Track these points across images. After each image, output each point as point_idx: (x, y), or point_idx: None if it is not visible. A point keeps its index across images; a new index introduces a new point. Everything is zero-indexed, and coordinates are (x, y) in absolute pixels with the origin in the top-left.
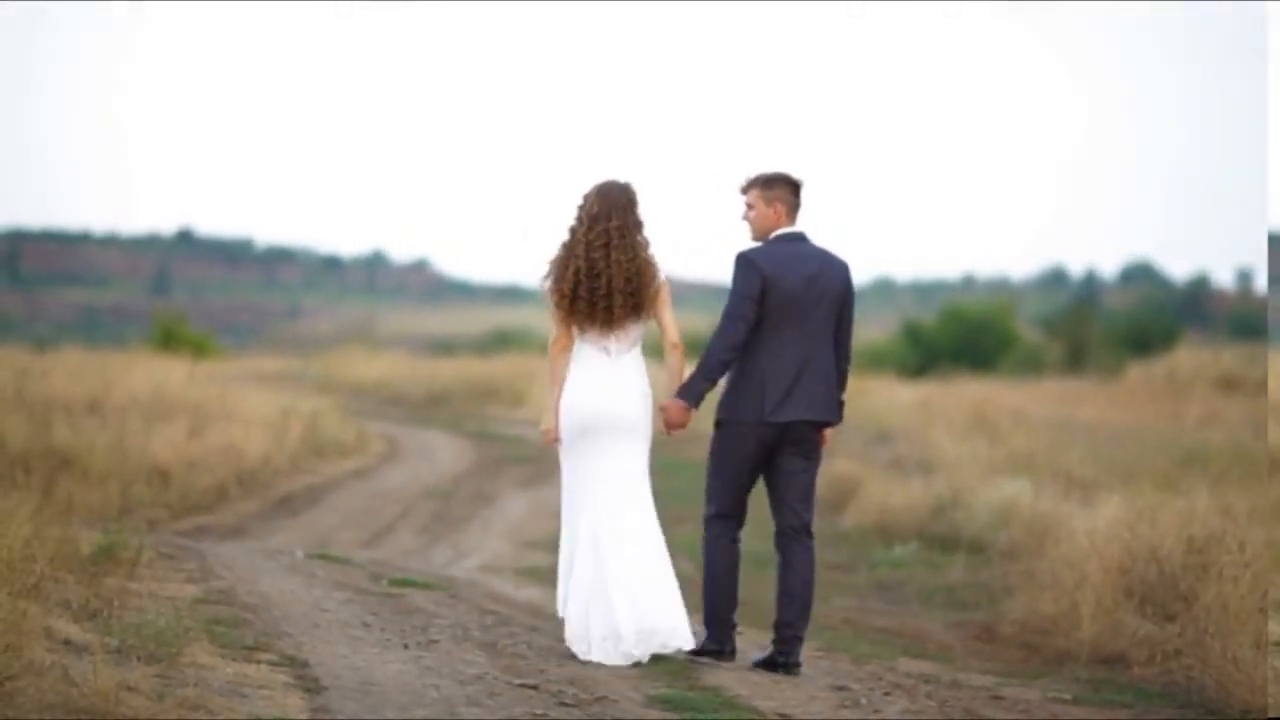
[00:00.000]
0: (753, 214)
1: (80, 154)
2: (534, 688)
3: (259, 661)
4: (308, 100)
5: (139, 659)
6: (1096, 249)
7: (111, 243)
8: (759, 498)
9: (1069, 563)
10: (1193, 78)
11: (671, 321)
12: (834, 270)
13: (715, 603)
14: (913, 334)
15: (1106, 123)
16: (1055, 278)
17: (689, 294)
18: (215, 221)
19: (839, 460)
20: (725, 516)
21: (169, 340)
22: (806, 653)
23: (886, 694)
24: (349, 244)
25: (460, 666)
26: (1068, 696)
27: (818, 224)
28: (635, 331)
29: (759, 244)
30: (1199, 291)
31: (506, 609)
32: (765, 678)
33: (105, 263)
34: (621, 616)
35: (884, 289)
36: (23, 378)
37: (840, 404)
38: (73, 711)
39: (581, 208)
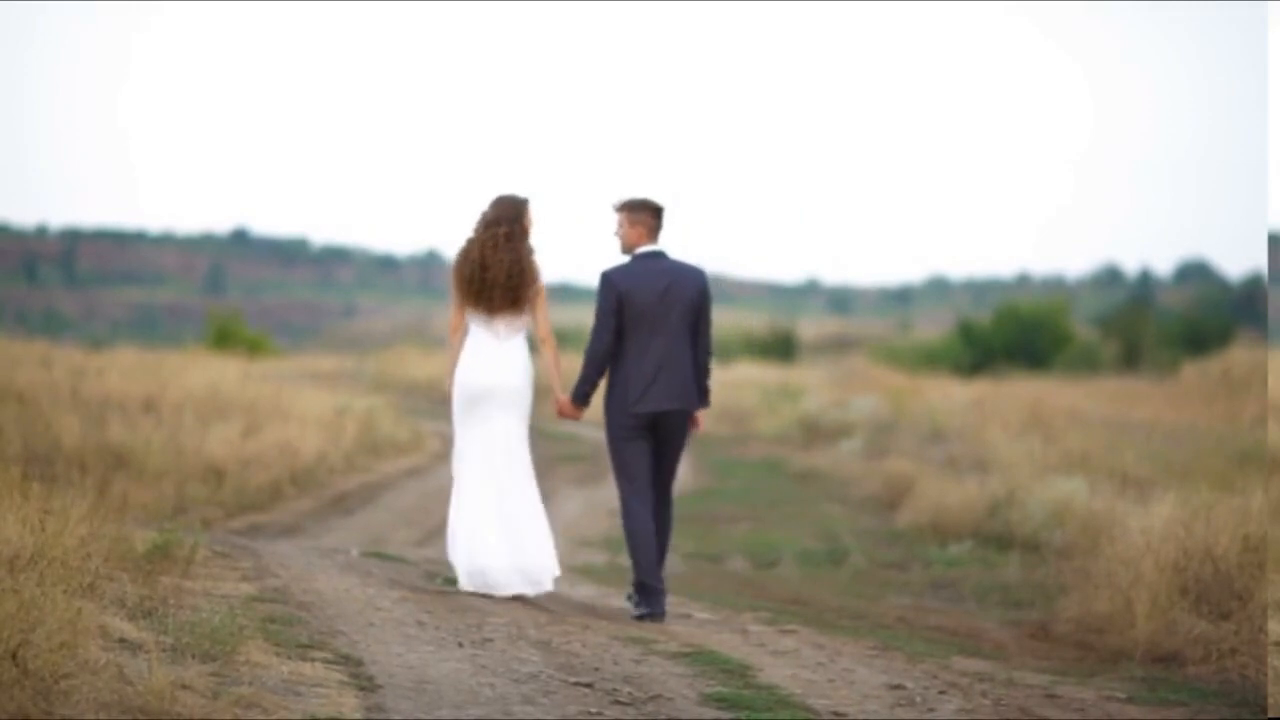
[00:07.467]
0: (620, 232)
1: (136, 153)
2: (589, 686)
3: (314, 660)
4: (363, 100)
5: (194, 657)
6: (1151, 247)
7: (167, 242)
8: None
9: (1124, 561)
10: (1260, 77)
11: (544, 320)
12: (686, 280)
13: (636, 570)
14: (967, 333)
15: (1165, 121)
16: (1110, 276)
17: (739, 292)
18: (270, 221)
19: (893, 458)
20: (629, 494)
21: (224, 339)
22: (861, 650)
23: (941, 692)
24: (404, 243)
25: (515, 665)
26: (1122, 695)
27: (875, 223)
28: (519, 320)
29: (624, 259)
30: (1254, 290)
31: (560, 607)
32: (820, 676)
33: (161, 262)
34: (498, 556)
35: (938, 287)
36: (78, 376)
37: (705, 391)
38: (128, 710)
39: (482, 214)
